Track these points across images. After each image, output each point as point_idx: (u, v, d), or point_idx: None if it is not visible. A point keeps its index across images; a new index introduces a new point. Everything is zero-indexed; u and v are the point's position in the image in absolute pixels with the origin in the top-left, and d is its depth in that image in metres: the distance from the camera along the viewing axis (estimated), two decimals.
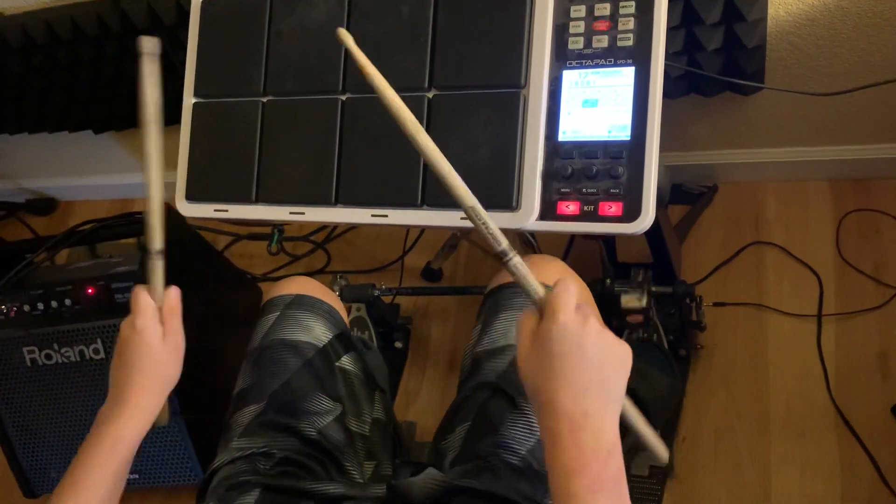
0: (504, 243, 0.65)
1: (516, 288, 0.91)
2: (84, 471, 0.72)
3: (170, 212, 1.38)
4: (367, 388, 0.99)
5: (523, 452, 0.79)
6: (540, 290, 0.64)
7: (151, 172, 0.81)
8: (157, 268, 0.82)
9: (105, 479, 0.73)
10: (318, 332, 0.98)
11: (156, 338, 0.79)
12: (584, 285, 0.95)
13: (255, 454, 0.87)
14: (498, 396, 0.84)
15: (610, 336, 0.62)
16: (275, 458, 0.86)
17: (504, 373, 0.85)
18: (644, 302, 1.28)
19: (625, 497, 0.60)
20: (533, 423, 0.81)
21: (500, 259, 0.65)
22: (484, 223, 0.65)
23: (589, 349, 0.60)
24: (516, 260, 0.65)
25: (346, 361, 0.98)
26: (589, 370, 0.60)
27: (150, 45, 0.80)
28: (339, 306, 1.05)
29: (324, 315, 1.00)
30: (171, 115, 1.77)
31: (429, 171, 0.94)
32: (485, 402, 0.85)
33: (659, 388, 1.29)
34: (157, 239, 0.82)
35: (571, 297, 0.62)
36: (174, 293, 0.82)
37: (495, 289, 0.95)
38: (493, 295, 0.94)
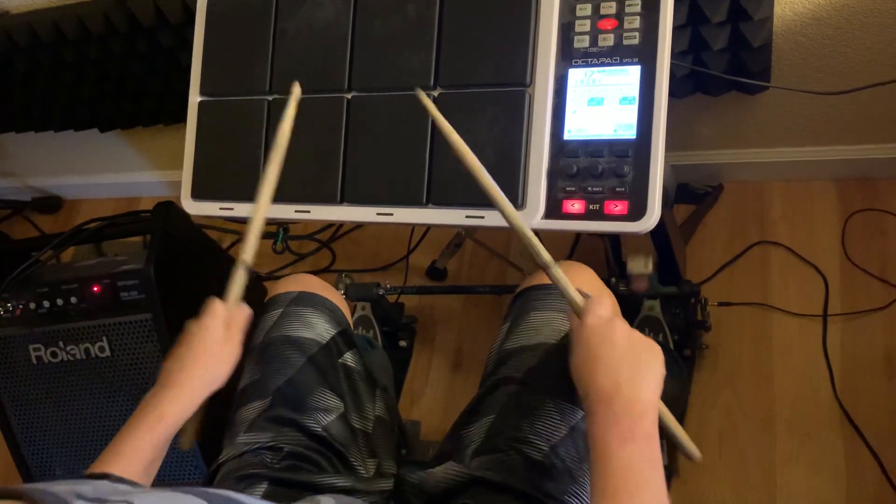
0: (546, 257, 0.74)
1: (545, 290, 0.92)
2: (126, 442, 0.77)
3: (174, 210, 1.39)
4: (369, 385, 0.99)
5: (546, 449, 0.79)
6: (578, 299, 0.74)
7: (264, 193, 0.88)
8: (238, 278, 0.87)
9: (144, 453, 0.77)
10: (320, 329, 0.98)
11: (217, 335, 0.83)
12: (612, 295, 0.95)
13: (262, 448, 0.87)
14: (524, 392, 0.84)
15: (637, 333, 0.71)
16: (282, 451, 0.87)
17: (532, 368, 0.85)
18: (650, 267, 1.27)
19: (655, 455, 0.65)
20: (558, 420, 0.81)
21: (543, 269, 0.75)
22: (530, 242, 0.74)
23: (616, 337, 0.69)
24: (558, 272, 0.74)
25: (348, 358, 0.98)
26: (618, 352, 0.69)
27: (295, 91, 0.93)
28: (341, 304, 1.06)
29: (326, 312, 1.00)
30: (175, 114, 1.79)
31: (434, 169, 0.94)
32: (511, 396, 0.85)
33: (669, 391, 1.29)
34: (248, 252, 0.87)
35: (602, 307, 0.72)
36: (247, 310, 0.88)
37: (524, 290, 0.94)
38: (523, 295, 0.94)
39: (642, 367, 0.69)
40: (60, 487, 0.44)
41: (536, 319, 0.89)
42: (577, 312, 0.74)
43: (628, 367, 0.68)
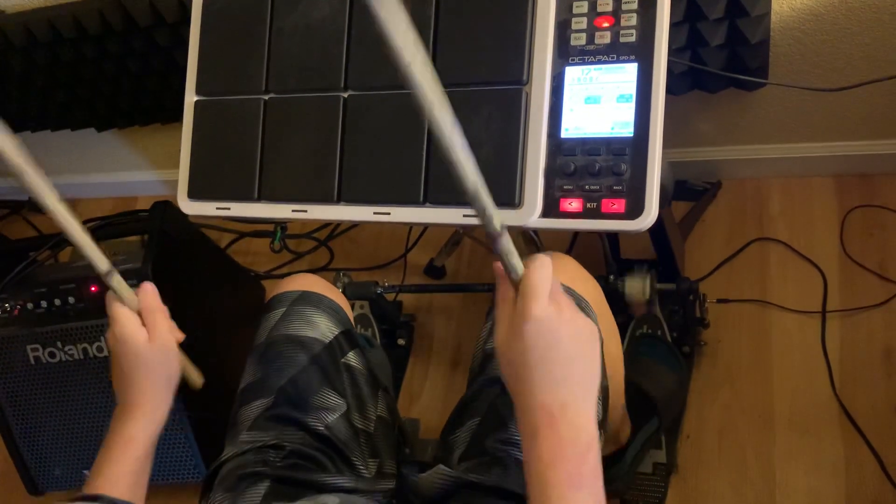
0: (497, 223, 0.61)
1: None
2: (107, 465, 0.76)
3: (172, 209, 1.39)
4: (372, 385, 0.99)
5: None
6: (521, 270, 0.63)
7: (51, 202, 0.71)
8: (116, 282, 0.78)
9: (126, 474, 0.76)
10: (324, 329, 0.98)
11: (139, 342, 0.78)
12: (596, 283, 0.94)
13: (265, 446, 0.87)
14: (507, 393, 0.84)
15: (580, 320, 0.63)
16: (284, 450, 0.87)
17: None
18: (648, 294, 1.27)
19: (601, 494, 0.60)
20: None
21: (490, 238, 0.62)
22: (481, 202, 0.60)
23: (564, 342, 0.61)
24: (504, 239, 0.62)
25: (351, 358, 0.98)
26: (565, 362, 0.61)
27: None
28: (344, 303, 1.06)
29: (330, 312, 1.00)
30: (172, 114, 1.79)
31: (432, 168, 0.94)
32: (495, 397, 0.85)
33: (668, 384, 1.29)
34: (99, 261, 0.75)
35: (545, 281, 0.61)
36: (148, 290, 0.80)
37: None
38: None
39: (587, 380, 0.62)
40: None
41: None
42: (515, 283, 0.63)
43: (574, 382, 0.61)
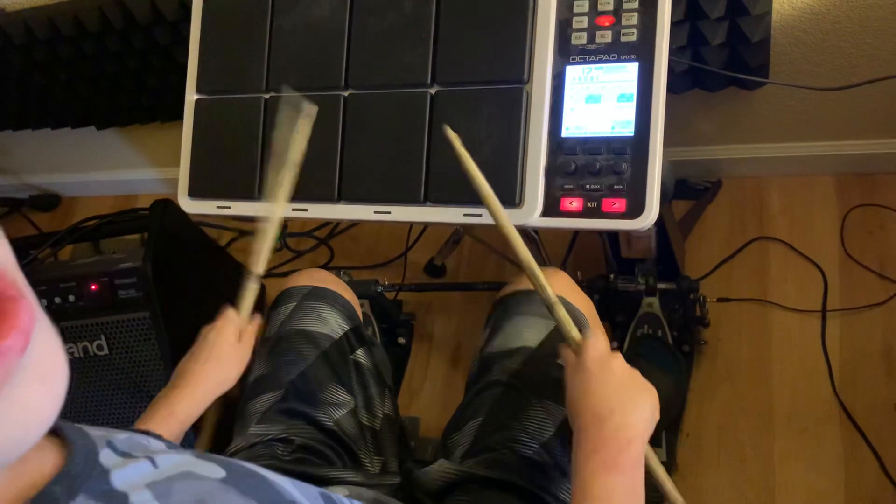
0: (552, 295, 0.76)
1: (524, 296, 0.92)
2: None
3: (172, 207, 1.39)
4: (379, 383, 0.99)
5: (537, 446, 0.80)
6: (577, 335, 0.75)
7: (278, 209, 0.93)
8: (251, 290, 0.92)
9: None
10: (333, 325, 0.98)
11: (230, 339, 0.89)
12: (587, 297, 0.95)
13: (274, 440, 0.88)
14: (510, 394, 0.84)
15: (637, 372, 0.72)
16: (293, 444, 0.88)
17: (516, 372, 0.85)
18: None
19: (638, 488, 0.65)
20: (544, 418, 0.81)
21: (547, 308, 0.76)
22: (542, 285, 0.76)
23: (616, 370, 0.70)
24: (561, 310, 0.76)
25: (360, 355, 0.99)
26: (616, 383, 0.69)
27: (312, 111, 0.96)
28: (353, 300, 1.06)
29: (339, 308, 1.01)
30: (172, 112, 1.78)
31: (432, 167, 0.94)
32: (496, 399, 0.85)
33: (664, 390, 1.29)
34: (260, 264, 0.92)
35: (603, 342, 0.73)
36: (258, 321, 0.94)
37: (505, 296, 0.95)
38: (504, 302, 0.94)
39: (638, 399, 0.69)
40: (96, 432, 0.44)
41: (518, 324, 0.90)
42: (576, 349, 0.74)
43: (624, 396, 0.68)
